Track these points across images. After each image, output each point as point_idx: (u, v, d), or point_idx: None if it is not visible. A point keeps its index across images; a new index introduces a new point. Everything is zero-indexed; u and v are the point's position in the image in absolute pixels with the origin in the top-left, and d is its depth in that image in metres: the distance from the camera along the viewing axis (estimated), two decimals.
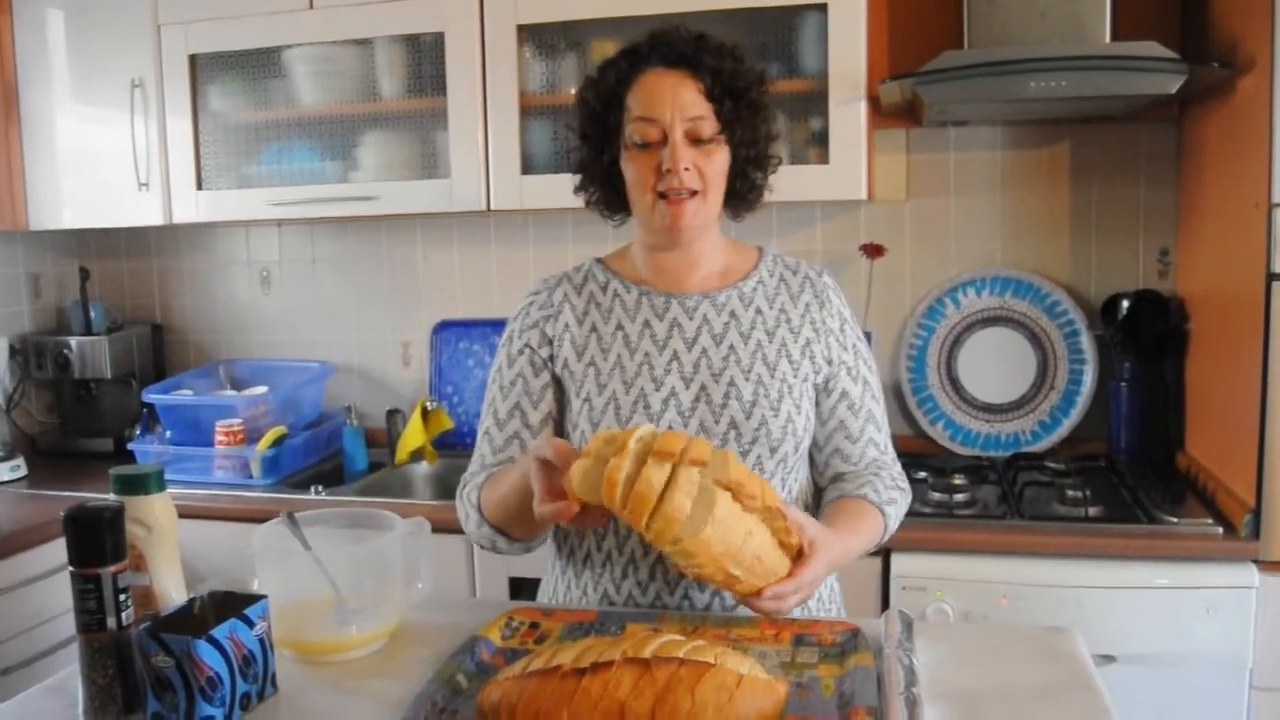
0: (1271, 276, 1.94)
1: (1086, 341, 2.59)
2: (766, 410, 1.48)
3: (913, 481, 2.37)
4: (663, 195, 1.45)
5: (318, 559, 1.34)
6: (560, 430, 1.57)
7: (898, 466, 1.60)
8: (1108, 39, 2.23)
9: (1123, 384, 2.51)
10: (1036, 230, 2.66)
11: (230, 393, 2.96)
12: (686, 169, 1.43)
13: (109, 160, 2.80)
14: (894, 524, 1.54)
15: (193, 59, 2.73)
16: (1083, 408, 2.59)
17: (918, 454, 2.64)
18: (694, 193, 1.45)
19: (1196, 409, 2.42)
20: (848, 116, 2.36)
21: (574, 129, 1.54)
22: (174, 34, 2.72)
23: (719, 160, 1.46)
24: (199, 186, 2.77)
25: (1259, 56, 1.97)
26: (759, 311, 1.54)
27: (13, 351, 3.05)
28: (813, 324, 1.54)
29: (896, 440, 2.72)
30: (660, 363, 1.51)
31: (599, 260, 1.63)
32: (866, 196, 2.45)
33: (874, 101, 2.39)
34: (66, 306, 3.19)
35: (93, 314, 3.06)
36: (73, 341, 3.03)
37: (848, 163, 2.38)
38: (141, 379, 3.08)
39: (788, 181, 2.43)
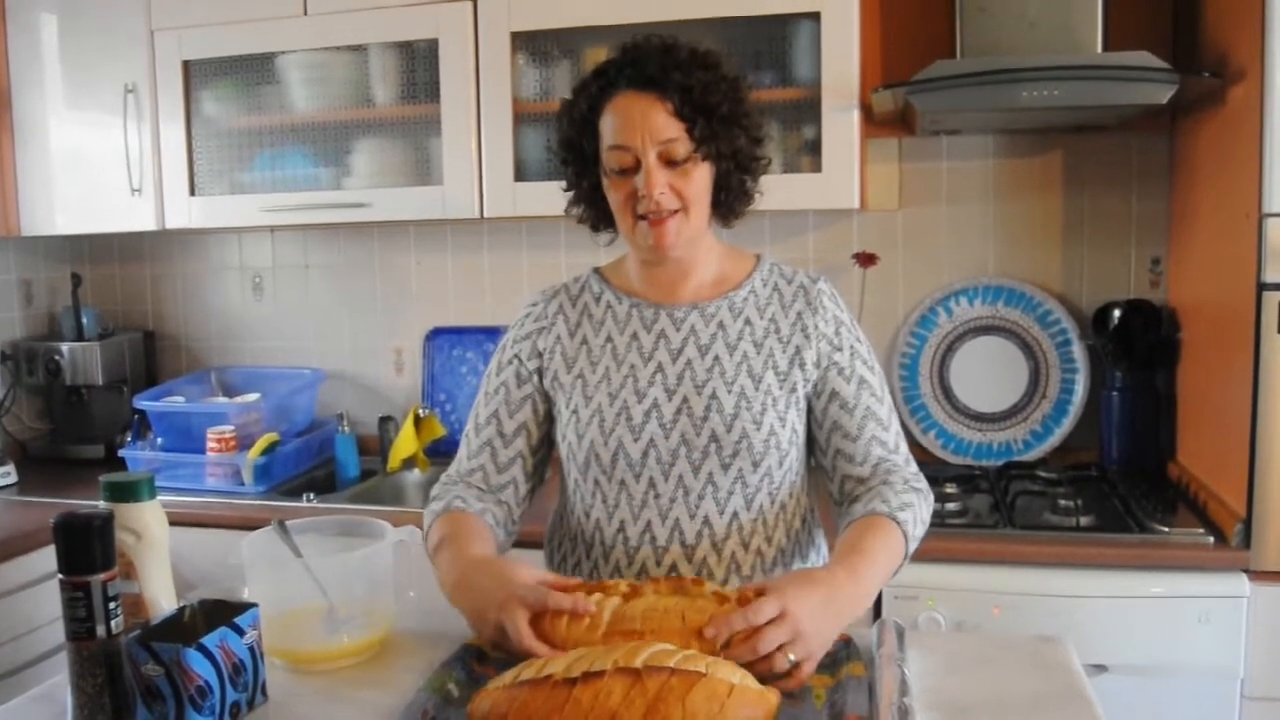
0: (1262, 286, 1.94)
1: (1078, 351, 2.60)
2: (748, 423, 1.48)
3: None
4: (643, 217, 1.46)
5: (308, 566, 1.33)
6: (548, 441, 1.59)
7: (911, 467, 1.55)
8: (1099, 49, 2.24)
9: (1114, 393, 2.51)
10: (1029, 239, 2.66)
11: (222, 399, 2.95)
12: (662, 192, 1.44)
13: (102, 166, 2.79)
14: (915, 528, 1.46)
15: (186, 65, 2.73)
16: (1074, 417, 2.59)
17: None
18: (674, 211, 1.45)
19: (1188, 418, 2.42)
20: (840, 125, 2.37)
21: (556, 151, 1.56)
22: (168, 40, 2.72)
23: (697, 179, 1.46)
24: (192, 192, 2.77)
25: (1249, 67, 1.98)
26: (748, 322, 1.54)
27: (4, 357, 3.04)
28: (803, 330, 1.53)
29: None
30: (645, 375, 1.52)
31: (597, 271, 1.64)
32: (859, 205, 2.45)
33: (866, 110, 2.40)
34: (58, 312, 3.18)
35: (84, 320, 3.06)
36: (64, 347, 3.02)
37: (840, 171, 2.38)
38: (133, 385, 3.07)
39: (780, 190, 2.44)
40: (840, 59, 2.35)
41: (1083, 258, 2.64)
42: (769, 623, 1.18)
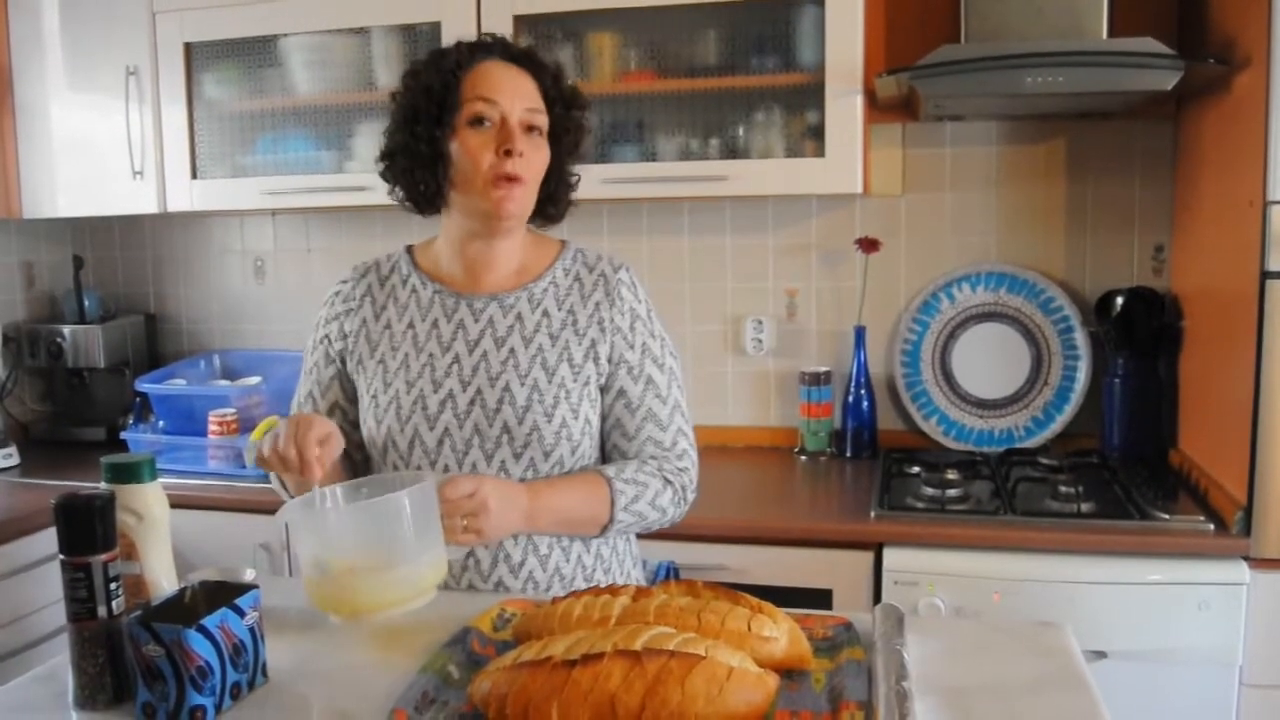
0: (1265, 274, 1.94)
1: (1081, 338, 2.59)
2: (539, 416, 1.52)
3: (905, 476, 2.40)
4: (494, 178, 1.48)
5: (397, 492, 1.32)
6: (356, 421, 1.62)
7: (681, 462, 1.59)
8: (1105, 35, 2.23)
9: (1116, 380, 2.51)
10: (1032, 226, 2.66)
11: (223, 382, 2.95)
12: (521, 152, 1.48)
13: (103, 148, 2.79)
14: (636, 504, 1.52)
15: (188, 47, 2.72)
16: (1076, 404, 2.59)
17: (911, 449, 2.65)
18: (520, 180, 1.49)
19: (1190, 406, 2.42)
20: (844, 110, 2.36)
21: (394, 113, 1.55)
22: (169, 21, 2.71)
23: (545, 155, 1.53)
24: (194, 175, 2.76)
25: (1255, 53, 1.97)
26: (546, 314, 1.57)
27: (6, 340, 3.04)
28: (599, 323, 1.56)
29: (889, 435, 2.74)
30: (442, 364, 1.55)
31: (409, 250, 1.67)
32: (862, 190, 2.45)
33: (870, 95, 2.39)
34: (60, 295, 3.18)
35: (86, 302, 3.06)
36: (66, 330, 3.02)
37: (843, 156, 2.38)
38: (135, 368, 3.08)
39: (783, 175, 2.46)
40: (844, 43, 2.34)
41: (1085, 245, 2.64)
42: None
